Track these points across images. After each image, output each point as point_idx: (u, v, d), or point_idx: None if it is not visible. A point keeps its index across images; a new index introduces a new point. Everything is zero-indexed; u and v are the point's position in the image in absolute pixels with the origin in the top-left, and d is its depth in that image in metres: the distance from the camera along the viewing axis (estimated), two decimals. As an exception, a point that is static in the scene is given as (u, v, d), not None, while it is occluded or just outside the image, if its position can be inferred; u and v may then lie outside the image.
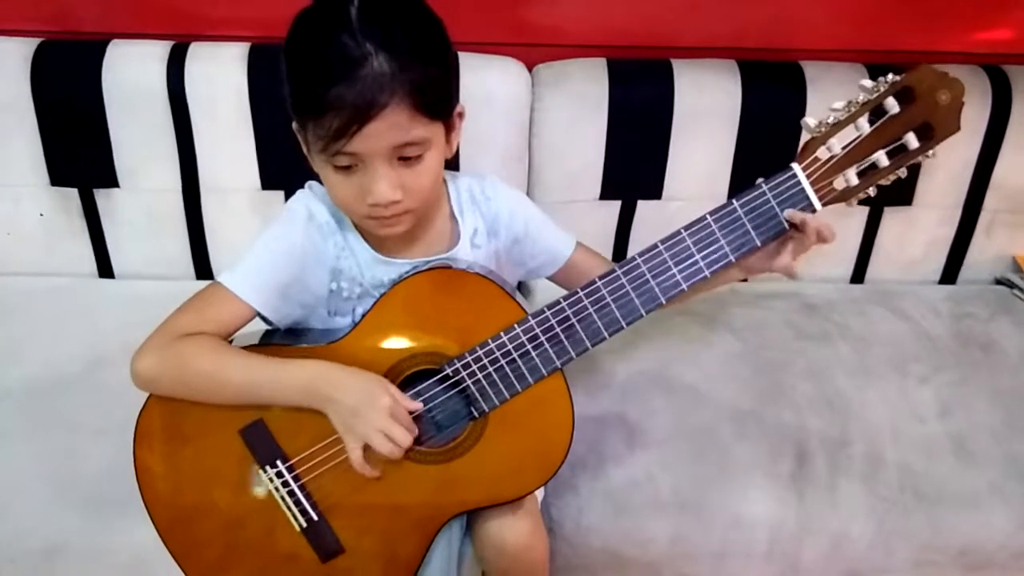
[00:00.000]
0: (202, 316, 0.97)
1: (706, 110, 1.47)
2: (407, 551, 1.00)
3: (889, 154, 0.90)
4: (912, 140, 0.90)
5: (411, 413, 0.95)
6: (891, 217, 1.58)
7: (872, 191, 0.93)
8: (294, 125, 0.92)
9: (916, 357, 1.43)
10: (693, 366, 1.38)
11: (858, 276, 1.63)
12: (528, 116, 1.47)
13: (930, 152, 0.91)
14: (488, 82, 1.43)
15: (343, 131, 0.83)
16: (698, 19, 1.53)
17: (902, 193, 1.55)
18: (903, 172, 0.92)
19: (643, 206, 1.53)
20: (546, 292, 1.47)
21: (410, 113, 0.85)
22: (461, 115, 0.96)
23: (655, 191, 1.52)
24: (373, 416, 0.91)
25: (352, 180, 0.89)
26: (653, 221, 1.54)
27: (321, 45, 0.83)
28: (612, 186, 1.51)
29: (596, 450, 1.23)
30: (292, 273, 0.98)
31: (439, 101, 0.89)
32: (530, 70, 1.49)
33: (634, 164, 1.50)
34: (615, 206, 1.53)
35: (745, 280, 1.57)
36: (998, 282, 1.65)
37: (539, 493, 1.13)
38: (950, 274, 1.64)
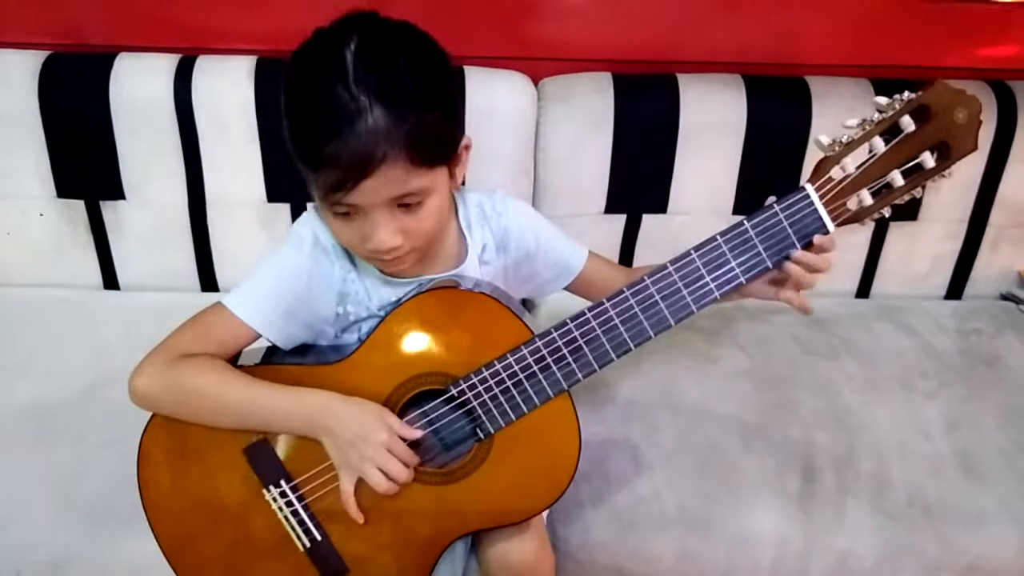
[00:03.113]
0: (203, 337, 0.96)
1: (711, 124, 1.47)
2: (412, 571, 1.00)
3: (904, 173, 0.88)
4: (928, 159, 0.87)
5: (412, 440, 0.94)
6: (897, 232, 1.58)
7: (887, 211, 0.91)
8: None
9: (922, 373, 1.43)
10: (698, 381, 1.38)
11: (863, 291, 1.63)
12: (534, 130, 1.47)
13: (947, 172, 0.89)
14: (494, 96, 1.43)
15: (339, 186, 0.82)
16: (703, 34, 1.54)
17: (908, 208, 1.54)
18: (919, 192, 0.90)
19: (648, 220, 1.53)
20: (552, 309, 1.49)
21: (406, 167, 0.83)
22: (468, 147, 0.95)
23: (660, 205, 1.52)
24: (368, 451, 0.90)
25: (352, 226, 0.88)
26: (658, 235, 1.54)
27: (315, 97, 0.81)
28: (617, 200, 1.51)
29: (601, 466, 1.22)
30: (297, 297, 0.97)
31: (439, 148, 0.87)
32: (536, 84, 1.49)
33: (639, 178, 1.50)
34: (620, 220, 1.53)
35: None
36: (1003, 297, 1.65)
37: (544, 511, 1.12)
38: (956, 289, 1.64)
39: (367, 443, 0.90)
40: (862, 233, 1.57)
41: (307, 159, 0.84)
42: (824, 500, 1.20)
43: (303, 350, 1.02)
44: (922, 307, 1.59)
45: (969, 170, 1.53)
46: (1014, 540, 1.18)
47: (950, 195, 1.54)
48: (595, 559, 1.17)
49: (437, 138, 0.85)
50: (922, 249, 1.60)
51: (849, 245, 1.58)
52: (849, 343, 1.48)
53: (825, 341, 1.49)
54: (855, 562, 1.17)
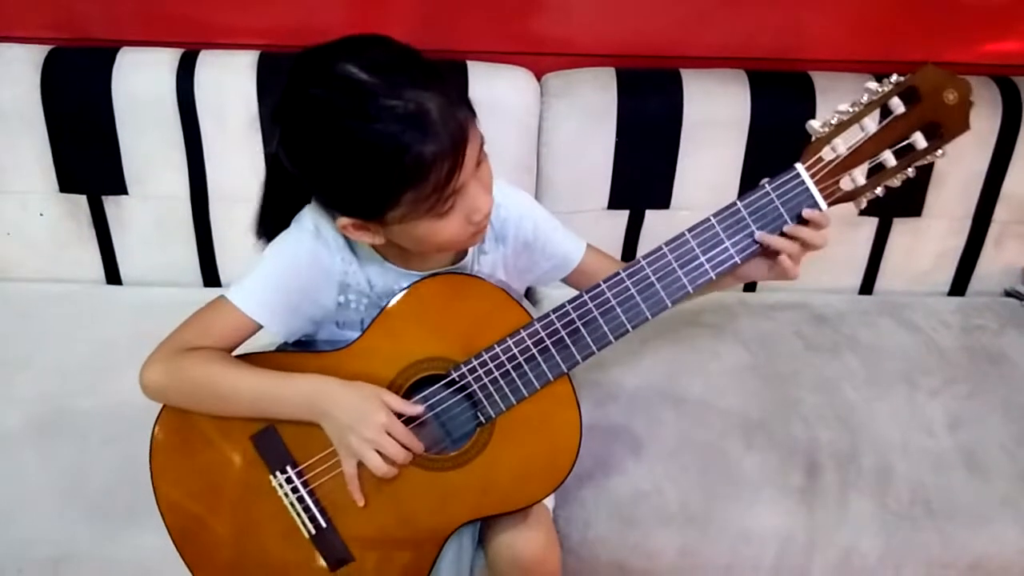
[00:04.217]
0: (207, 330, 0.97)
1: (715, 120, 1.46)
2: (416, 560, 1.00)
3: (897, 154, 0.90)
4: (920, 140, 0.90)
5: (414, 418, 0.95)
6: (900, 228, 1.57)
7: (880, 191, 0.93)
8: (344, 223, 0.88)
9: (926, 369, 1.42)
10: (701, 378, 1.38)
11: (867, 287, 1.63)
12: (537, 125, 1.47)
13: (939, 152, 0.91)
14: (497, 91, 1.43)
15: (451, 174, 0.82)
16: (707, 29, 1.53)
17: (911, 204, 1.54)
18: (911, 172, 0.92)
19: (651, 216, 1.53)
20: (554, 300, 1.48)
21: (474, 120, 0.85)
22: None
23: (663, 201, 1.52)
24: (366, 432, 0.91)
25: (456, 215, 0.87)
26: (661, 231, 1.52)
27: (376, 123, 0.79)
28: (620, 195, 1.51)
29: (603, 462, 1.22)
30: (299, 288, 0.98)
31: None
32: (539, 79, 1.49)
33: (642, 173, 1.50)
34: (623, 215, 1.53)
35: (753, 289, 1.59)
36: (1007, 294, 1.64)
37: (550, 504, 1.13)
38: (959, 286, 1.63)
39: (365, 425, 0.91)
40: (866, 229, 1.57)
41: (409, 178, 0.81)
42: (827, 497, 1.20)
43: (307, 343, 1.04)
44: (926, 303, 1.59)
45: (973, 166, 1.52)
46: (1018, 537, 1.18)
47: (954, 191, 1.54)
48: (596, 554, 1.17)
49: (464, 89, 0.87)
50: (926, 245, 1.59)
51: (853, 241, 1.58)
52: (852, 339, 1.48)
53: (828, 337, 1.48)
54: (858, 559, 1.17)
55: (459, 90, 0.86)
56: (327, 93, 0.81)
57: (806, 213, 0.92)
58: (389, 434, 0.92)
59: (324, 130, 0.81)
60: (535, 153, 1.48)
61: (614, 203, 1.51)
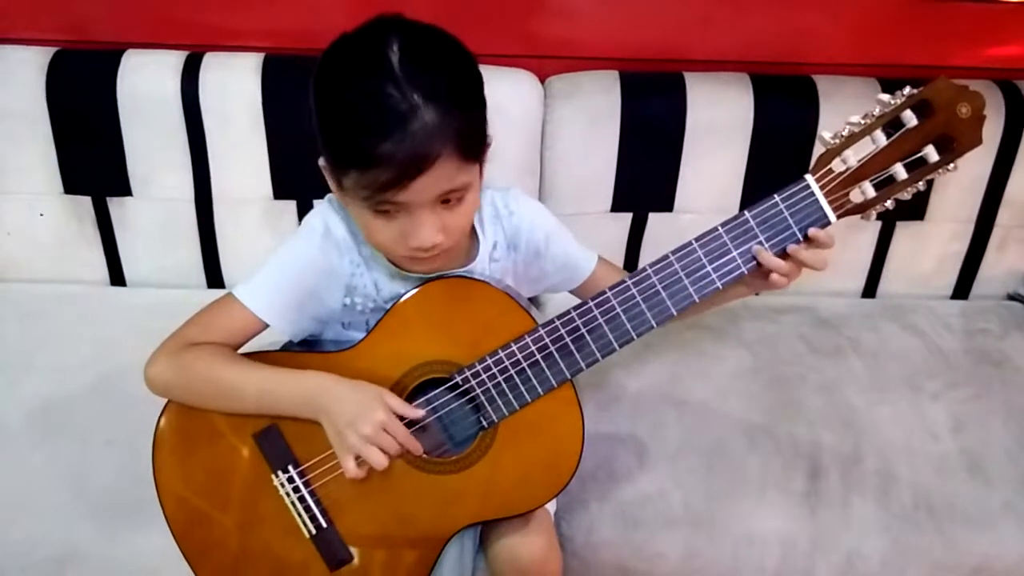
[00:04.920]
0: (213, 327, 0.98)
1: (718, 123, 1.46)
2: (416, 562, 1.00)
3: (908, 167, 0.90)
4: (932, 153, 0.89)
5: (415, 421, 0.95)
6: (903, 231, 1.57)
7: (891, 204, 0.92)
8: (321, 162, 0.91)
9: (929, 373, 1.42)
10: (704, 381, 1.38)
11: (870, 290, 1.63)
12: (540, 128, 1.47)
13: (951, 165, 0.90)
14: (500, 94, 1.40)
15: (391, 184, 0.82)
16: (710, 32, 1.53)
17: (915, 208, 1.54)
18: (922, 185, 0.91)
19: (654, 219, 1.53)
20: (557, 304, 1.48)
21: (457, 163, 0.84)
22: (489, 144, 0.96)
23: (667, 204, 1.52)
24: (364, 428, 0.91)
25: (393, 225, 0.88)
26: (664, 234, 1.53)
27: (364, 97, 0.81)
28: (624, 198, 1.51)
29: (607, 465, 1.22)
30: (306, 288, 0.98)
31: (480, 144, 0.88)
32: (542, 82, 1.49)
33: (646, 177, 1.50)
34: (626, 218, 1.53)
35: (756, 293, 1.59)
36: (1010, 297, 1.64)
37: (551, 508, 1.13)
38: (962, 289, 1.63)
39: (364, 422, 0.91)
40: (869, 233, 1.57)
41: (355, 159, 0.83)
42: (830, 500, 1.20)
43: (313, 343, 1.04)
44: (928, 307, 1.59)
45: (976, 170, 1.52)
46: (1020, 541, 1.18)
47: (957, 195, 1.54)
48: (600, 558, 1.17)
49: (481, 132, 0.88)
50: (929, 249, 1.59)
51: (856, 245, 1.58)
52: (855, 343, 1.48)
53: (831, 341, 1.48)
54: (861, 562, 1.17)
55: (470, 129, 0.85)
56: (359, 47, 0.83)
57: (811, 232, 0.92)
58: (387, 432, 0.92)
59: (333, 71, 0.84)
60: (538, 156, 1.49)
61: (617, 206, 1.51)
